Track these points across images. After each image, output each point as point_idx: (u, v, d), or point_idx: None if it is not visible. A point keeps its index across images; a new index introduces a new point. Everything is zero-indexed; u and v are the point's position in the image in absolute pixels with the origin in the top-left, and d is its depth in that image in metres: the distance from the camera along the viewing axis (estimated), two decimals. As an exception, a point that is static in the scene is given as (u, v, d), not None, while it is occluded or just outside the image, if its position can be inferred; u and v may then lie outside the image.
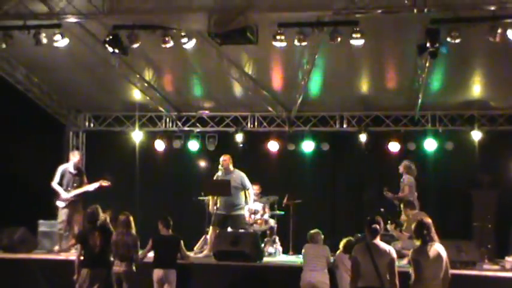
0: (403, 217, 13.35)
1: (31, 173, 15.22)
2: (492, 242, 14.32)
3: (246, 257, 12.46)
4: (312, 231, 11.46)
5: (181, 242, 11.14)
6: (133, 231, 10.75)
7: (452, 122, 15.86)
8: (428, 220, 8.27)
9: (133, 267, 10.64)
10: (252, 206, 14.35)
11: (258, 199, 14.79)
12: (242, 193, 13.93)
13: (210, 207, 14.04)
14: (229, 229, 13.70)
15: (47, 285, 12.59)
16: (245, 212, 14.21)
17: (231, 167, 13.92)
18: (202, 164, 16.83)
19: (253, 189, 14.31)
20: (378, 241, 8.28)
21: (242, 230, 13.64)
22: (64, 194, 13.97)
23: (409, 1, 10.64)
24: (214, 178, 14.13)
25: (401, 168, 14.33)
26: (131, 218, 10.76)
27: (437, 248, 8.00)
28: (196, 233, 14.50)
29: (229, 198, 13.71)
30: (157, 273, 10.88)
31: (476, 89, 14.77)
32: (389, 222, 12.83)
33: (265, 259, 13.34)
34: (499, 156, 15.52)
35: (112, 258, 10.72)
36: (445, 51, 11.20)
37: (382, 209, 12.81)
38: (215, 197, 13.88)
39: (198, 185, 14.40)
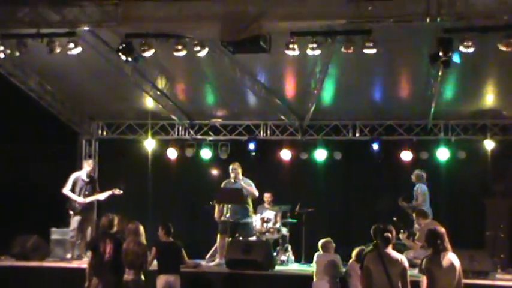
0: (416, 226, 13.32)
1: (43, 181, 15.30)
2: (505, 251, 14.26)
3: (258, 266, 12.47)
4: (323, 240, 11.46)
5: (182, 248, 11.11)
6: (143, 239, 10.71)
7: (465, 131, 15.84)
8: (442, 229, 8.25)
9: (142, 276, 10.62)
10: (265, 214, 14.36)
11: (271, 207, 14.81)
12: (250, 201, 13.98)
13: (216, 215, 14.06)
14: (239, 237, 13.73)
15: (60, 293, 12.65)
16: (255, 220, 14.22)
17: (240, 175, 13.97)
18: (215, 172, 16.85)
19: (265, 197, 14.42)
20: (390, 250, 8.25)
21: (254, 239, 13.66)
22: (79, 199, 14.01)
23: (422, 10, 10.61)
24: (222, 186, 14.17)
25: (413, 178, 14.38)
26: (141, 227, 10.71)
27: (450, 257, 7.97)
28: (209, 241, 14.50)
29: (238, 206, 13.75)
30: (162, 280, 10.88)
31: (489, 98, 14.74)
32: (401, 231, 12.80)
33: (277, 267, 13.35)
34: (511, 166, 15.47)
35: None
36: (458, 60, 11.16)
37: (395, 218, 12.77)
38: (221, 205, 13.91)
39: (210, 193, 14.38)
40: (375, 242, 9.28)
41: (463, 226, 14.97)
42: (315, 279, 11.26)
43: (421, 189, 14.23)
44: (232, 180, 14.03)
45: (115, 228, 10.71)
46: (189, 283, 11.20)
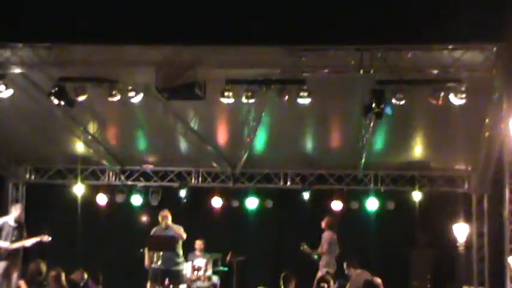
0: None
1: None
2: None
3: (189, 315, 12.30)
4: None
5: None
6: (64, 285, 10.48)
7: (394, 182, 16.08)
8: (378, 280, 8.30)
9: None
10: (196, 262, 14.20)
11: (202, 255, 14.66)
12: (180, 247, 13.83)
13: (146, 262, 13.80)
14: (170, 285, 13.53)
15: None
16: (186, 268, 14.05)
17: (170, 221, 13.86)
18: (145, 218, 16.63)
19: (196, 245, 14.32)
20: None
21: (185, 286, 13.47)
22: (4, 244, 13.58)
23: (356, 62, 10.82)
24: (152, 233, 13.98)
25: (323, 224, 14.36)
26: (62, 274, 10.51)
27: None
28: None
29: (170, 253, 13.56)
30: None
31: (418, 149, 15.03)
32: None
33: (208, 317, 13.19)
34: (438, 217, 15.78)
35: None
36: (390, 112, 11.37)
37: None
38: (151, 252, 13.70)
39: (141, 240, 14.15)
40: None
41: (389, 275, 15.05)
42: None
43: (327, 236, 14.22)
44: (163, 227, 13.87)
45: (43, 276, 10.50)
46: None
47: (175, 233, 13.68)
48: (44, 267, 10.60)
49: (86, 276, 11.49)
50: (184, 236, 13.88)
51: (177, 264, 13.72)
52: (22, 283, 10.81)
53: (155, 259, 13.69)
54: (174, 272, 13.65)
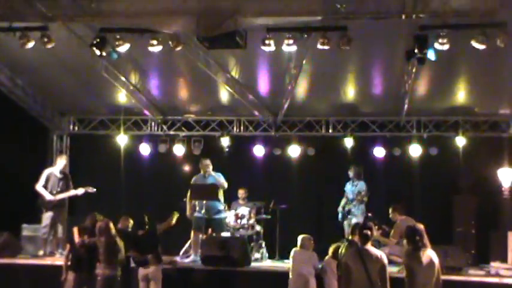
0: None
1: (14, 177, 15.09)
2: (475, 247, 14.46)
3: (234, 262, 12.47)
4: (302, 236, 11.45)
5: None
6: (114, 234, 10.67)
7: (437, 128, 15.94)
8: (420, 226, 8.29)
9: (119, 271, 10.59)
10: (239, 210, 14.33)
11: (245, 203, 14.78)
12: (222, 195, 13.97)
13: (188, 212, 13.99)
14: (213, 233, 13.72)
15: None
16: (229, 216, 14.19)
17: (211, 170, 13.98)
18: (188, 168, 16.75)
19: (239, 193, 14.47)
20: (369, 247, 8.27)
21: (229, 235, 13.64)
22: (49, 196, 13.87)
23: (398, 7, 10.64)
24: (193, 181, 14.12)
25: (352, 174, 14.44)
26: (110, 223, 10.71)
27: (430, 254, 8.02)
28: (183, 236, 14.43)
29: (211, 202, 13.72)
30: (141, 272, 11.06)
31: (461, 95, 14.84)
32: (376, 227, 12.84)
33: (253, 264, 13.32)
34: (482, 162, 15.63)
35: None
36: (433, 58, 11.22)
37: (369, 214, 12.82)
38: (192, 202, 13.86)
39: (183, 189, 14.31)
40: (351, 238, 9.34)
41: (432, 222, 15.01)
42: (291, 276, 11.26)
43: (364, 186, 14.32)
44: (204, 175, 14.01)
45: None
46: (164, 279, 11.14)
47: (216, 181, 13.82)
48: (97, 218, 10.84)
49: (131, 222, 11.68)
50: (226, 184, 14.03)
51: (219, 212, 13.89)
52: (75, 230, 11.04)
53: (197, 208, 13.88)
54: (217, 220, 13.83)
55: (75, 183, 14.32)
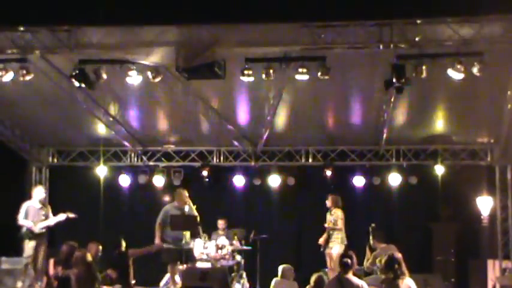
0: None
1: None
2: (455, 275, 14.51)
3: (215, 293, 12.36)
4: (284, 266, 11.42)
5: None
6: (89, 264, 10.56)
7: (416, 157, 16.02)
8: (399, 255, 8.32)
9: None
10: (219, 240, 14.26)
11: (224, 233, 14.70)
12: None
13: (157, 239, 13.63)
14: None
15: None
16: (209, 246, 14.09)
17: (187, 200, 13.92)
18: (168, 199, 16.66)
19: (219, 224, 14.38)
20: (350, 276, 8.27)
21: (209, 265, 13.55)
22: (28, 223, 13.72)
23: (375, 37, 10.75)
24: (166, 211, 13.91)
25: (329, 203, 14.33)
26: (87, 254, 10.63)
27: (408, 282, 8.04)
28: (162, 268, 14.30)
29: (181, 233, 13.47)
30: None
31: (439, 124, 14.96)
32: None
33: (232, 295, 13.27)
34: (461, 191, 15.74)
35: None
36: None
37: (373, 225, 12.78)
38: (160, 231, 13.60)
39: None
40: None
41: (412, 250, 15.09)
42: (271, 306, 11.22)
43: (339, 214, 14.26)
44: (179, 205, 13.71)
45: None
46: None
47: (192, 211, 13.66)
48: (76, 248, 10.76)
49: (100, 247, 11.66)
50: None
51: (187, 243, 13.72)
52: (51, 262, 10.95)
53: (169, 239, 13.62)
54: (187, 251, 13.66)
55: (55, 214, 14.20)
